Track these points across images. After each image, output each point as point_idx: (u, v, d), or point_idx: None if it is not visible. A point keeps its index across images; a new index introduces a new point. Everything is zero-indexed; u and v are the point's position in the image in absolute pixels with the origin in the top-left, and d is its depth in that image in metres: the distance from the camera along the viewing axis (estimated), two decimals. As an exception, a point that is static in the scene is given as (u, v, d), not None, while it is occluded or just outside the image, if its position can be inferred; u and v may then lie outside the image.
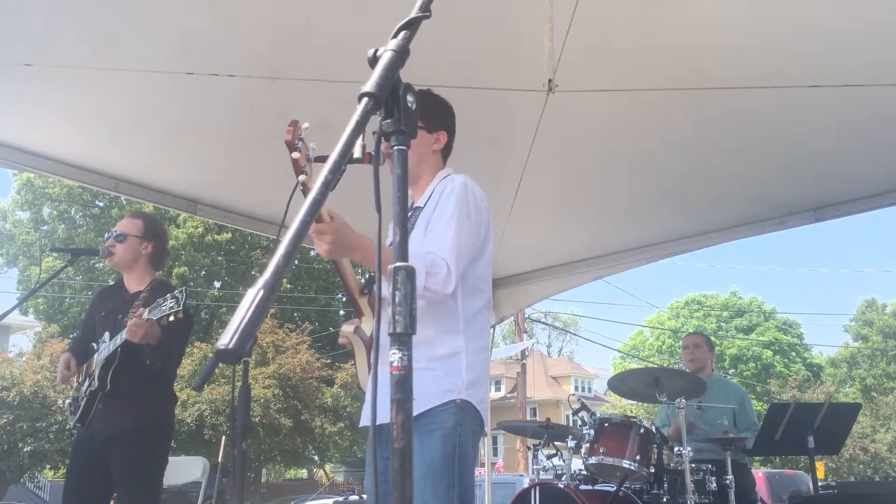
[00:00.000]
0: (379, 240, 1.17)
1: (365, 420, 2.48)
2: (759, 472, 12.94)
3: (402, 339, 1.04)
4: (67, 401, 3.63)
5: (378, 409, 2.35)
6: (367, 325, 2.41)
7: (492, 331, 6.61)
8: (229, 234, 26.69)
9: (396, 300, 1.05)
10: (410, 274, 1.06)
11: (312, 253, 24.44)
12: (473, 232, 2.34)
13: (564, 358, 48.06)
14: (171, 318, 3.07)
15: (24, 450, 20.23)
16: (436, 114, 2.49)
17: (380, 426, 2.39)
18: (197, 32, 3.24)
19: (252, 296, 0.87)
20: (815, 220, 4.96)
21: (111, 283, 3.88)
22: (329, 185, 0.96)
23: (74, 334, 22.15)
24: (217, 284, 28.92)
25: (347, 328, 2.42)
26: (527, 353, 28.84)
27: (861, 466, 26.24)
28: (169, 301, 3.07)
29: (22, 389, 20.07)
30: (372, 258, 1.16)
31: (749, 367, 39.90)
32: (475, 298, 2.39)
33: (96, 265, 26.21)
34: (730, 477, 4.26)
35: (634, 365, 38.13)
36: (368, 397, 2.45)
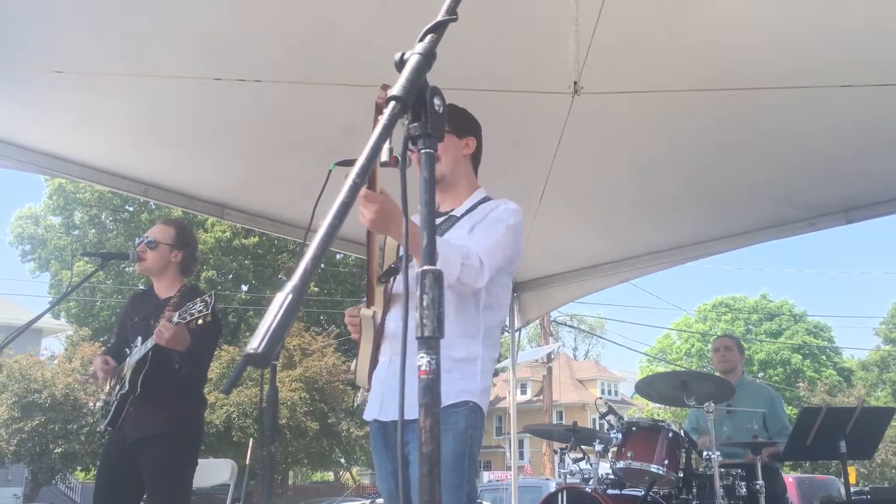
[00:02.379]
0: (406, 241, 1.17)
1: (371, 413, 2.48)
2: (789, 477, 12.73)
3: (430, 343, 1.04)
4: (99, 404, 3.67)
5: (387, 406, 2.35)
6: (373, 311, 2.42)
7: (517, 334, 6.60)
8: (256, 238, 26.88)
9: (424, 304, 1.05)
10: (438, 277, 1.06)
11: (339, 256, 24.56)
12: (512, 250, 2.42)
13: (591, 361, 47.83)
14: (200, 322, 3.10)
15: (56, 451, 20.53)
16: (463, 120, 2.54)
17: (385, 423, 2.39)
18: (224, 38, 3.27)
19: (281, 300, 0.87)
20: (845, 221, 4.87)
21: (142, 287, 3.93)
22: (357, 188, 0.95)
23: (105, 337, 22.49)
24: (244, 288, 29.15)
25: (367, 312, 2.42)
26: (553, 356, 28.69)
27: (893, 472, 25.80)
28: (198, 304, 3.10)
29: (53, 392, 20.39)
30: (411, 237, 1.15)
31: (777, 371, 39.34)
32: (493, 313, 2.44)
33: (126, 269, 26.54)
34: (760, 482, 4.20)
35: (661, 368, 37.78)
36: (376, 393, 2.44)
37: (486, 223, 2.39)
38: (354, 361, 2.49)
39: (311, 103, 3.69)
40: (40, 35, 3.19)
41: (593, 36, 3.02)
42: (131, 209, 28.46)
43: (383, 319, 2.42)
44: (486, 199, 2.53)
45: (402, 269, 2.30)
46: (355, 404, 2.54)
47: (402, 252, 2.24)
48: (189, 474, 3.45)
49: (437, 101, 1.12)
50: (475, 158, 2.60)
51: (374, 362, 2.42)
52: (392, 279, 2.43)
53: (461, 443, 2.27)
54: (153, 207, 25.85)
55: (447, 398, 2.26)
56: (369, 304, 2.43)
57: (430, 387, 1.02)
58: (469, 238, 2.34)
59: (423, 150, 1.14)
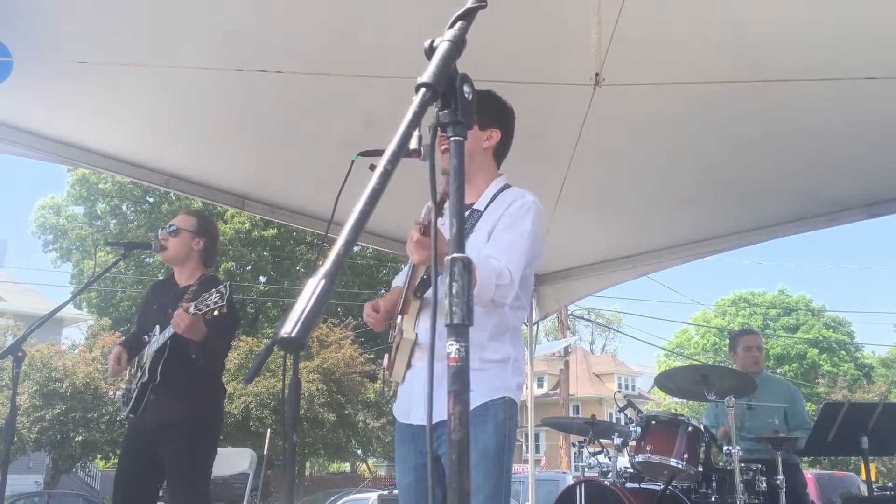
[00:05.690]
0: (434, 229, 1.16)
1: (403, 416, 2.48)
2: (808, 474, 12.64)
3: (460, 331, 1.03)
4: (119, 392, 3.71)
5: (418, 410, 2.37)
6: (407, 325, 2.42)
7: (535, 328, 6.59)
8: (275, 230, 27.00)
9: (454, 291, 1.04)
10: (468, 265, 1.05)
11: (356, 248, 24.61)
12: (536, 254, 2.43)
13: (608, 355, 47.71)
14: (216, 314, 3.13)
15: (76, 440, 20.78)
16: (491, 111, 2.48)
17: (418, 426, 2.40)
18: (246, 30, 3.28)
19: (313, 285, 0.87)
20: (869, 215, 4.82)
21: (162, 276, 3.96)
22: (388, 175, 0.95)
23: (126, 327, 22.70)
24: (263, 279, 29.28)
25: (410, 336, 2.42)
26: (570, 349, 28.63)
27: (915, 470, 25.51)
28: (213, 296, 3.13)
29: (74, 381, 20.61)
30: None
31: (793, 367, 38.89)
32: (520, 312, 2.47)
33: (147, 260, 26.77)
34: (780, 477, 4.17)
35: (679, 363, 37.54)
36: (403, 393, 2.45)
37: (508, 224, 2.36)
38: (387, 356, 2.51)
39: (331, 95, 3.69)
40: (64, 25, 3.21)
41: (615, 27, 3.00)
42: (152, 200, 28.67)
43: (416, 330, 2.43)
44: (505, 188, 2.49)
45: (432, 281, 2.30)
46: (389, 396, 2.55)
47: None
48: (209, 462, 3.48)
49: (466, 89, 1.11)
50: (499, 150, 2.55)
51: (409, 366, 2.43)
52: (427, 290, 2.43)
53: (500, 433, 2.30)
54: (174, 198, 26.04)
55: (487, 394, 2.31)
56: (403, 312, 2.43)
57: (460, 374, 1.01)
58: (493, 243, 2.33)
59: (452, 138, 1.13)
